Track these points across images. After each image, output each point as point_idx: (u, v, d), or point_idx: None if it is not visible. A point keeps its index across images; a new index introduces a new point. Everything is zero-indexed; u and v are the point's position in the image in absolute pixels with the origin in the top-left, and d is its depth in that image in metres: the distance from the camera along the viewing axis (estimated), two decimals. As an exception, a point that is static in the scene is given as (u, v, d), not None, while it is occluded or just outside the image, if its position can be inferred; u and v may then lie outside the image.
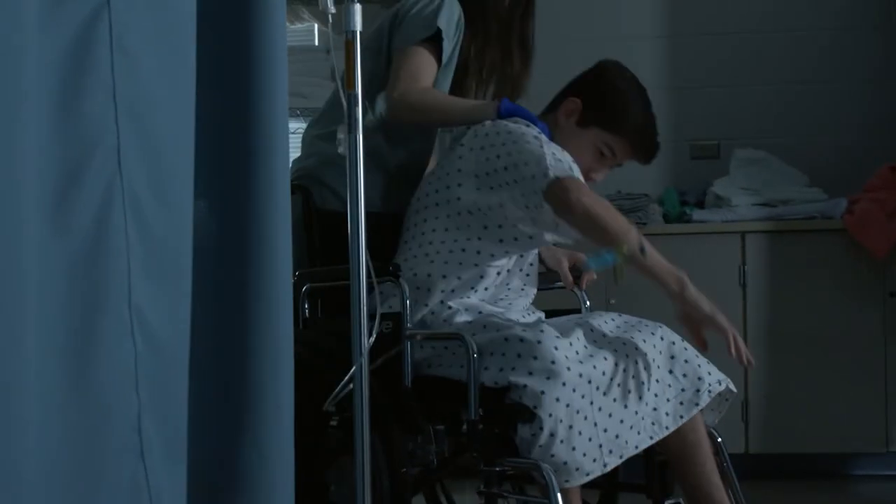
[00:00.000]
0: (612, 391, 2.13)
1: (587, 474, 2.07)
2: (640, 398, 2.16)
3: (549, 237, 2.34)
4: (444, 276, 2.31)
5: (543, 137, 2.33)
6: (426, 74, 2.44)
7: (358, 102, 1.91)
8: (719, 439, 2.35)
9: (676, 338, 2.27)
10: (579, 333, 2.16)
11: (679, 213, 4.33)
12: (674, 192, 4.38)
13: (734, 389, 2.31)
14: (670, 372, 2.24)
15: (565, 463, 2.04)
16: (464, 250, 2.32)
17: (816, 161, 4.47)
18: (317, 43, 4.97)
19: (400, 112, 2.43)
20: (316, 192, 2.47)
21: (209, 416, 1.59)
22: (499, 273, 2.37)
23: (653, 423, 2.18)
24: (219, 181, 1.61)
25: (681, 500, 2.27)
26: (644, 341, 2.22)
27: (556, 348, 2.07)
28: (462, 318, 2.27)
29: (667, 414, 2.20)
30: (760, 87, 4.64)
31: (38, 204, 1.29)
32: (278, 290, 1.63)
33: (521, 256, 2.42)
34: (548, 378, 2.04)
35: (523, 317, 2.36)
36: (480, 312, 2.29)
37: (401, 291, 2.16)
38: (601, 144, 2.43)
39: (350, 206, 1.91)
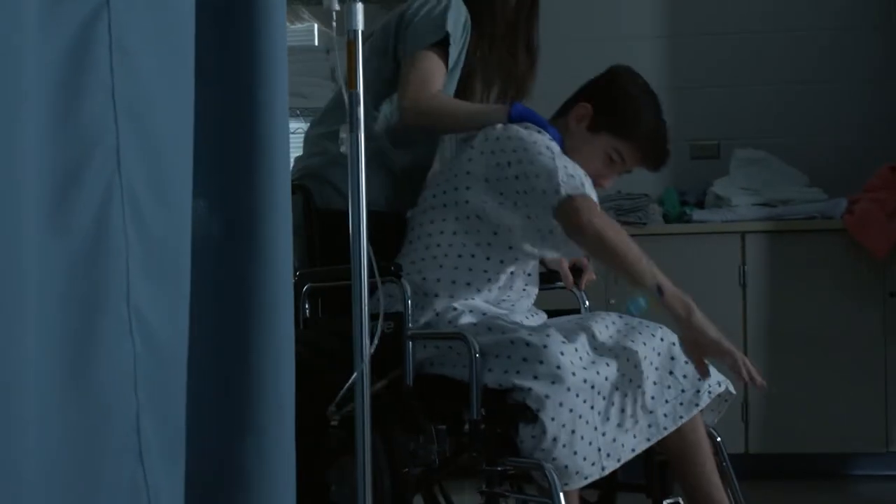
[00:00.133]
0: (614, 396, 2.13)
1: (586, 478, 2.07)
2: (635, 413, 2.17)
3: (556, 255, 2.35)
4: (454, 282, 2.31)
5: (555, 147, 2.32)
6: (436, 79, 2.44)
7: (360, 102, 1.91)
8: (718, 439, 2.36)
9: (676, 338, 2.27)
10: (583, 339, 2.16)
11: (679, 213, 4.32)
12: (674, 192, 4.38)
13: (734, 391, 2.31)
14: (670, 373, 2.24)
15: (566, 467, 2.04)
16: (473, 256, 2.32)
17: (816, 161, 4.47)
18: (317, 43, 4.97)
19: (411, 118, 2.44)
20: (320, 191, 2.47)
21: (208, 416, 1.59)
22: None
23: (650, 426, 2.18)
24: (219, 181, 1.61)
25: (680, 500, 2.27)
26: (644, 344, 2.22)
27: (561, 353, 2.07)
28: (467, 319, 2.27)
29: (665, 415, 2.20)
30: (760, 87, 4.64)
31: (38, 204, 1.29)
32: (279, 290, 1.63)
33: (524, 257, 2.42)
34: (553, 382, 2.04)
35: (527, 318, 2.36)
36: (485, 314, 2.29)
37: (402, 291, 2.16)
38: (611, 150, 2.42)
39: (352, 206, 1.91)
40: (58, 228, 1.33)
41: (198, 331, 1.55)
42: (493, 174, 2.31)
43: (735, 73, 4.64)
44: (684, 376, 2.24)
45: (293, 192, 2.19)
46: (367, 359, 1.88)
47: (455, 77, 2.56)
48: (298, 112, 4.56)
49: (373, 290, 1.97)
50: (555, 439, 2.03)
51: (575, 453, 2.05)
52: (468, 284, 2.31)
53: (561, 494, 2.00)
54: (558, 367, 2.05)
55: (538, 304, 2.49)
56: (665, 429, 2.19)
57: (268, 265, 1.62)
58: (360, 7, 1.91)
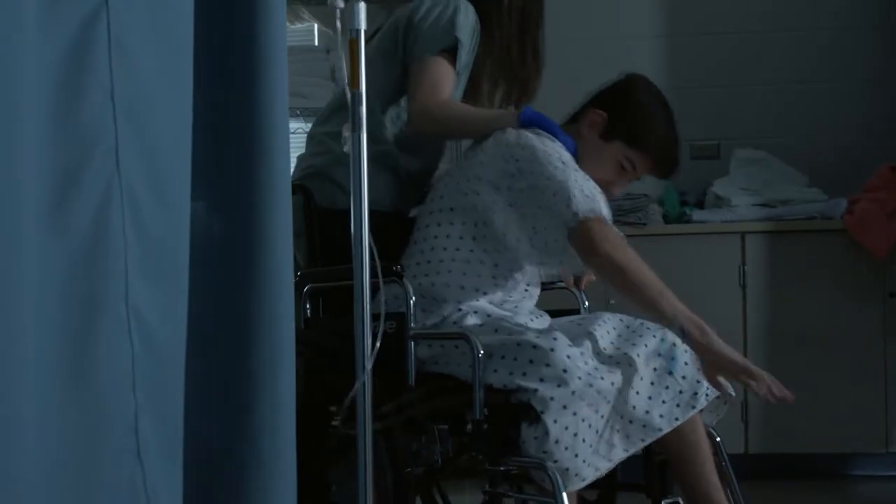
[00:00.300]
0: (616, 401, 2.13)
1: (583, 479, 2.07)
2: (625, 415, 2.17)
3: (555, 270, 2.35)
4: (462, 287, 2.31)
5: (568, 158, 2.30)
6: (445, 85, 2.43)
7: (362, 101, 1.91)
8: (718, 439, 2.36)
9: (677, 339, 2.27)
10: (588, 345, 2.16)
11: (679, 214, 4.32)
12: (674, 192, 4.38)
13: (733, 393, 2.31)
14: (670, 373, 2.23)
15: (567, 469, 2.04)
16: (482, 262, 2.32)
17: (816, 161, 4.47)
18: (317, 43, 4.97)
19: (421, 125, 2.44)
20: (326, 190, 2.47)
21: (208, 417, 1.59)
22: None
23: (644, 426, 2.17)
24: (219, 181, 1.61)
25: (680, 500, 2.27)
26: (646, 346, 2.21)
27: (568, 357, 2.07)
28: (472, 320, 2.27)
29: (661, 416, 2.19)
30: (760, 87, 4.64)
31: (37, 204, 1.29)
32: (279, 290, 1.63)
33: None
34: (558, 385, 2.04)
35: (531, 320, 2.35)
36: (489, 315, 2.29)
37: (405, 291, 2.16)
38: (623, 159, 2.42)
39: (354, 205, 1.91)
40: (57, 228, 1.33)
41: (197, 331, 1.55)
42: (504, 182, 2.31)
43: (735, 73, 4.64)
44: (683, 377, 2.24)
45: (294, 193, 2.19)
46: (369, 359, 1.88)
47: (463, 80, 2.56)
48: (298, 112, 4.56)
49: (375, 290, 1.96)
50: (557, 441, 2.03)
51: (576, 456, 2.05)
52: (477, 290, 2.31)
53: (564, 494, 2.00)
54: (564, 371, 2.05)
55: (538, 304, 2.49)
56: (660, 430, 2.17)
57: (268, 265, 1.61)
58: (362, 6, 1.91)
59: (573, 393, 2.04)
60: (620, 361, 2.18)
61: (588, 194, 2.22)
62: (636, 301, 2.17)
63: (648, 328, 2.27)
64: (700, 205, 4.38)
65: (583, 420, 2.06)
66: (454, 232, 2.34)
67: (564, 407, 2.03)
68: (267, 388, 1.61)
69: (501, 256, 2.32)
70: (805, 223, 4.15)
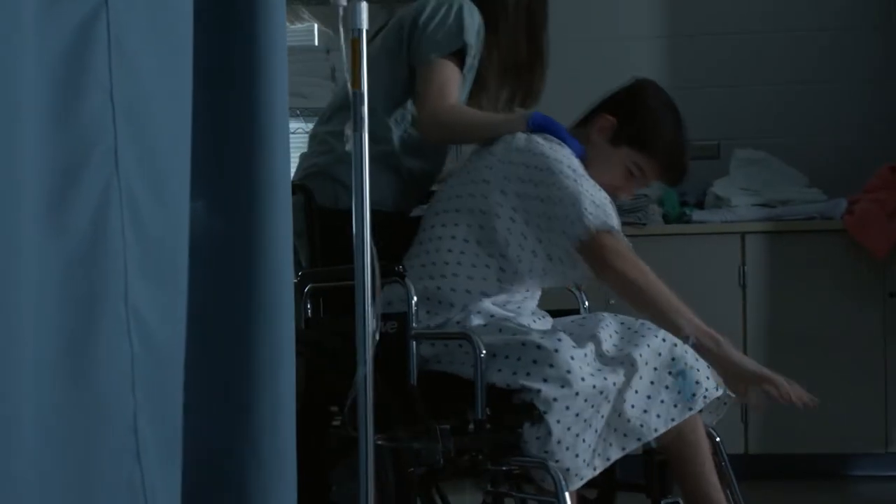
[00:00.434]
0: (615, 400, 2.13)
1: (582, 479, 2.08)
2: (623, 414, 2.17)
3: (556, 285, 2.36)
4: (468, 291, 2.31)
5: (577, 165, 2.30)
6: (453, 89, 2.43)
7: (364, 101, 1.91)
8: (718, 439, 2.35)
9: (678, 340, 2.27)
10: (591, 348, 2.16)
11: (679, 214, 4.33)
12: (673, 192, 4.38)
13: (732, 394, 2.31)
14: (669, 373, 2.23)
15: (567, 469, 2.04)
16: (488, 266, 2.32)
17: (816, 161, 4.48)
18: (317, 43, 4.97)
19: (430, 130, 2.44)
20: (329, 189, 2.47)
21: (207, 417, 1.59)
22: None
23: (641, 426, 2.17)
24: (219, 181, 1.61)
25: (679, 500, 2.27)
26: (648, 345, 2.21)
27: (572, 358, 2.08)
28: (476, 321, 2.27)
29: (658, 416, 2.18)
30: (760, 87, 4.64)
31: (36, 204, 1.29)
32: (279, 290, 1.63)
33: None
34: (562, 386, 2.04)
35: (534, 321, 2.36)
36: (493, 316, 2.29)
37: (406, 291, 2.16)
38: (631, 164, 2.42)
39: (355, 205, 1.91)
40: (56, 229, 1.32)
41: (197, 331, 1.55)
42: (513, 188, 2.30)
43: (735, 73, 4.64)
44: (684, 378, 2.23)
45: (294, 193, 2.19)
46: (370, 359, 1.88)
47: (469, 82, 2.56)
48: (298, 112, 4.56)
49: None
50: (559, 442, 2.03)
51: (576, 456, 2.05)
52: (483, 293, 2.31)
53: (566, 494, 2.00)
54: (568, 372, 2.05)
55: (538, 303, 2.49)
56: (655, 430, 2.17)
57: (268, 266, 1.61)
58: (364, 6, 1.91)
59: (576, 394, 2.05)
60: (623, 362, 2.18)
61: (599, 204, 2.23)
62: (650, 315, 2.19)
63: (650, 328, 2.27)
64: (700, 205, 4.39)
65: (585, 421, 2.06)
66: (459, 234, 2.33)
67: (567, 408, 2.04)
68: (267, 388, 1.61)
69: (507, 262, 2.32)
70: (805, 223, 4.15)
